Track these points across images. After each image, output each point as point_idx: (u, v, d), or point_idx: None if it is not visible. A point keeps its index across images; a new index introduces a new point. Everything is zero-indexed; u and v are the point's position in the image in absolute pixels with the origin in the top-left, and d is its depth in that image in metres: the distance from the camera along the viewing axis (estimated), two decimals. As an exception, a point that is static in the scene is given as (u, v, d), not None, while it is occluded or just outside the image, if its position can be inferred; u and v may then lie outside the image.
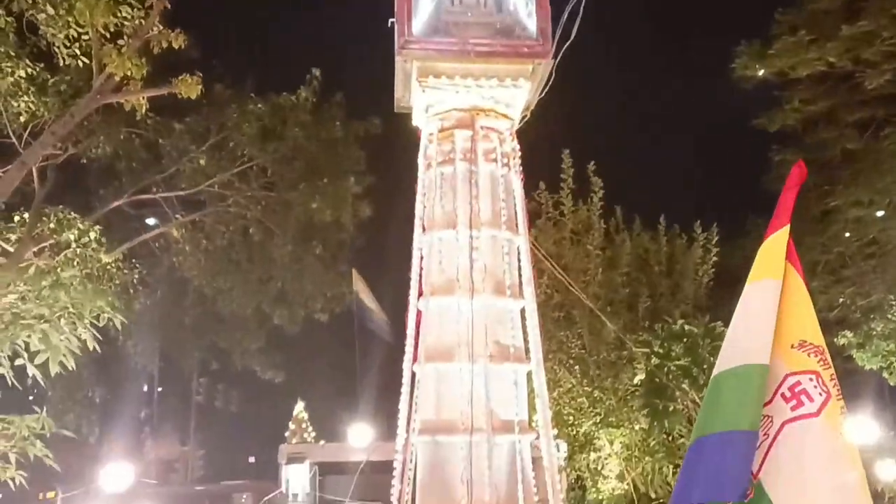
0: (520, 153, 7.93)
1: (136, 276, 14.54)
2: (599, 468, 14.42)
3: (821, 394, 3.29)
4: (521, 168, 7.92)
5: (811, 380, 3.32)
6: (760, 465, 3.21)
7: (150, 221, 16.55)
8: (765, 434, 3.26)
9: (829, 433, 3.26)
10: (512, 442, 7.18)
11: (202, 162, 14.41)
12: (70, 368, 6.96)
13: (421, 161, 7.96)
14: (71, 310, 6.75)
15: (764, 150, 14.57)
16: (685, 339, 13.45)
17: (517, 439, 7.17)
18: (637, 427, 14.21)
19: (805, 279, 3.50)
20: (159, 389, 27.80)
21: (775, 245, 3.48)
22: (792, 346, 3.36)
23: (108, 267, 12.55)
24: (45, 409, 8.45)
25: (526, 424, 7.37)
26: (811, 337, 3.39)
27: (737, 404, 3.21)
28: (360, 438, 15.84)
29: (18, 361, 6.79)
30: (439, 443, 7.27)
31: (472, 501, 6.89)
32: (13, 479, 8.28)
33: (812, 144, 13.10)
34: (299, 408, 17.40)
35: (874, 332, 13.68)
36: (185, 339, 18.90)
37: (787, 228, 3.49)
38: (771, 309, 3.31)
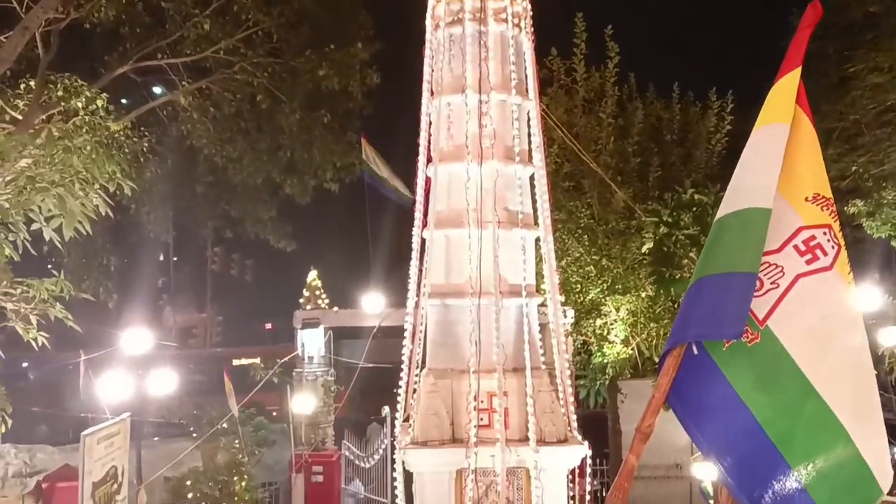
0: (531, 13, 7.69)
1: (146, 145, 14.52)
2: (605, 333, 14.82)
3: (833, 246, 3.28)
4: (531, 29, 7.71)
5: (825, 234, 3.30)
6: (769, 313, 3.21)
7: (157, 90, 16.37)
8: (773, 283, 3.24)
9: (840, 283, 3.26)
10: (519, 305, 7.35)
11: (206, 27, 14.07)
12: (86, 233, 7.08)
13: (429, 22, 7.75)
14: (84, 174, 6.79)
15: (783, 14, 14.04)
16: (694, 209, 13.51)
17: (524, 302, 7.33)
18: (643, 294, 14.49)
19: (813, 122, 3.42)
20: (175, 259, 28.27)
21: (785, 88, 3.36)
22: (806, 199, 3.31)
23: (117, 135, 12.53)
24: (62, 273, 8.66)
25: (533, 289, 7.52)
26: (822, 189, 3.35)
27: (737, 247, 3.20)
28: (372, 305, 16.22)
29: (35, 226, 6.90)
30: (449, 306, 7.46)
31: (479, 361, 7.14)
32: (35, 340, 8.61)
33: (833, 6, 12.59)
34: (312, 275, 17.72)
35: (885, 201, 13.64)
36: (198, 209, 19.04)
37: (798, 71, 3.36)
38: (777, 153, 3.25)
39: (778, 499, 3.04)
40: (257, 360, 19.56)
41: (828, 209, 3.33)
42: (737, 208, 3.27)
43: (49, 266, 9.80)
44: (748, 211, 3.22)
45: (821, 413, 3.04)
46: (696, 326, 3.24)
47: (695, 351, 3.26)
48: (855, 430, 3.01)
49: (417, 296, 7.67)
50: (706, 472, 13.97)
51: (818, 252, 3.27)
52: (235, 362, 20.91)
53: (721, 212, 3.35)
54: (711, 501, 13.92)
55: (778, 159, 3.24)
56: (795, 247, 3.28)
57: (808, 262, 3.27)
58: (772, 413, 3.10)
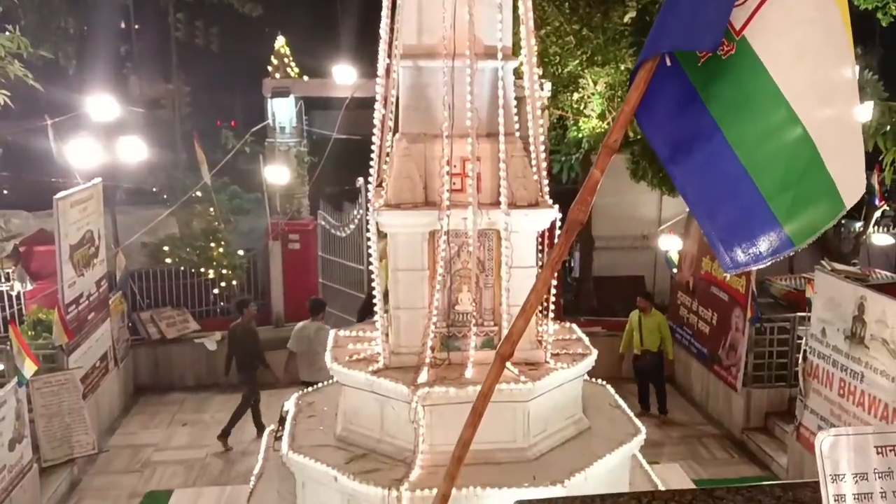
0: None
1: None
2: (582, 108, 14.65)
3: None
4: None
5: None
6: (746, 22, 3.08)
7: None
8: None
9: None
10: (494, 68, 7.13)
11: None
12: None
13: None
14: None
15: None
16: (681, -25, 12.85)
17: (500, 65, 7.11)
18: (623, 67, 14.18)
19: None
20: (136, 26, 26.94)
21: None
22: None
23: None
24: (17, 31, 8.22)
25: (509, 51, 7.26)
26: None
27: None
28: (344, 76, 15.79)
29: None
30: (421, 68, 7.23)
31: (452, 125, 7.04)
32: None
33: None
34: (280, 42, 17.00)
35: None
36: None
37: None
38: None
39: (744, 222, 3.09)
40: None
41: None
42: None
43: (6, 28, 9.29)
44: None
45: (789, 124, 2.98)
46: (673, 37, 3.09)
47: (668, 62, 3.14)
48: (822, 140, 2.97)
49: (389, 58, 7.41)
50: (671, 242, 14.55)
51: None
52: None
53: None
54: (675, 269, 14.61)
55: None
56: None
57: None
58: (742, 132, 3.07)
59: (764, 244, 3.08)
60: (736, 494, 2.40)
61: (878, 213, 15.63)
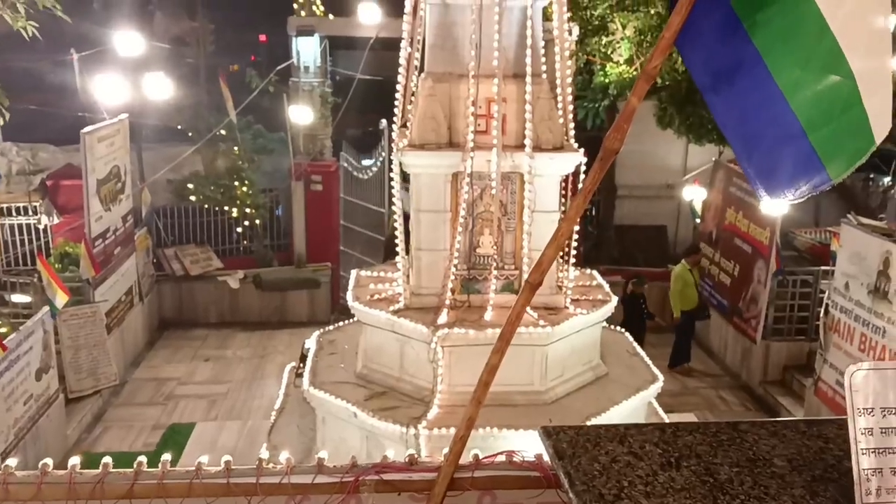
0: None
1: None
2: (610, 53, 14.39)
3: None
4: None
5: None
6: None
7: None
8: None
9: None
10: (523, 7, 7.00)
11: None
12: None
13: None
14: None
15: None
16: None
17: (529, 4, 6.98)
18: (653, 11, 13.87)
19: None
20: (161, -38, 26.67)
21: None
22: None
23: None
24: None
25: (540, -10, 7.12)
26: None
27: None
28: (369, 15, 15.55)
29: None
30: (449, 5, 7.10)
31: (479, 65, 6.95)
32: (25, 30, 8.31)
33: None
34: (307, -23, 16.75)
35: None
36: None
37: None
38: None
39: (782, 152, 3.04)
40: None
41: None
42: None
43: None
44: None
45: (833, 57, 2.91)
46: None
47: None
48: (861, 75, 2.90)
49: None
50: (695, 192, 14.39)
51: None
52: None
53: None
54: (698, 220, 14.48)
55: None
56: None
57: None
58: (785, 63, 3.00)
59: (802, 176, 3.03)
60: (760, 428, 2.41)
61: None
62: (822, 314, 10.16)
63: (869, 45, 2.92)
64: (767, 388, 11.58)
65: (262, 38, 28.31)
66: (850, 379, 2.06)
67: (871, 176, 17.10)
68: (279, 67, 14.96)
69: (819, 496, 2.21)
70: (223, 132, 14.22)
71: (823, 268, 11.60)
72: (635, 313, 11.68)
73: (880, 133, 2.92)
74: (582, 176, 7.28)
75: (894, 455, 2.05)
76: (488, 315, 7.05)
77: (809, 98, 2.97)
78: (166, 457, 3.51)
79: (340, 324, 8.91)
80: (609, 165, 3.23)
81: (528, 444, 3.24)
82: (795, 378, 11.34)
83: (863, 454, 2.04)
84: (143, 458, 3.49)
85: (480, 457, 3.23)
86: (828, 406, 9.71)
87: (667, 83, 13.65)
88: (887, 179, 16.58)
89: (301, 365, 8.43)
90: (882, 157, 16.73)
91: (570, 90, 7.38)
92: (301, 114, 14.78)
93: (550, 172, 7.11)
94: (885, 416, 2.01)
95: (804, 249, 14.89)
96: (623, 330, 8.91)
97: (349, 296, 7.75)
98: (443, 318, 7.01)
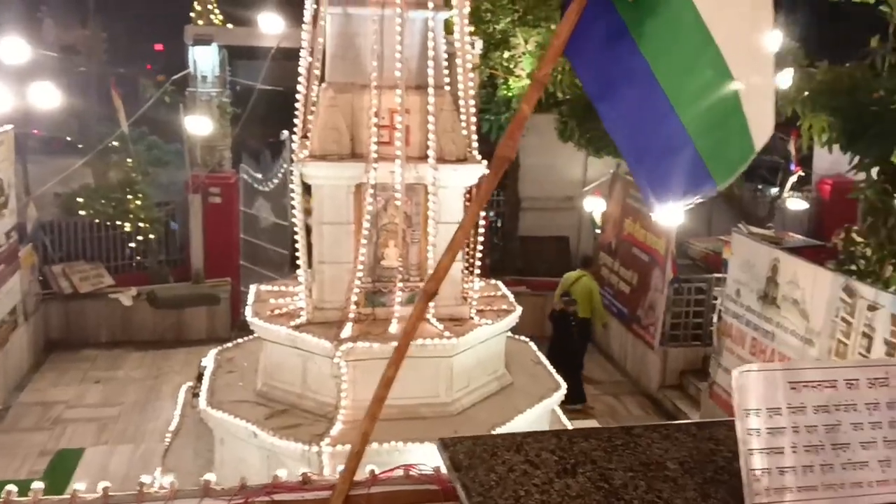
0: None
1: None
2: (513, 67, 14.62)
3: None
4: None
5: None
6: None
7: None
8: None
9: None
10: (425, 18, 7.01)
11: None
12: None
13: None
14: None
15: None
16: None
17: (431, 16, 6.99)
18: (553, 27, 14.18)
19: None
20: (50, -33, 25.57)
21: None
22: None
23: None
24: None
25: (441, 2, 7.14)
26: None
27: None
28: (270, 25, 15.31)
29: None
30: (350, 15, 7.05)
31: (381, 76, 6.91)
32: None
33: None
34: (203, -13, 16.34)
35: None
36: None
37: None
38: None
39: (671, 160, 3.09)
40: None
41: None
42: None
43: None
44: None
45: (716, 65, 2.98)
46: None
47: None
48: (742, 82, 2.98)
49: (317, 4, 7.18)
50: (595, 204, 14.74)
51: None
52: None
53: None
54: (598, 230, 14.82)
55: None
56: None
57: None
58: (670, 71, 3.06)
59: (690, 183, 3.10)
60: (654, 432, 2.43)
61: (793, 179, 16.14)
62: (715, 320, 10.53)
63: (749, 53, 3.01)
64: (666, 392, 11.91)
65: (159, 47, 27.56)
66: (736, 380, 2.09)
67: (760, 187, 17.96)
68: (175, 77, 14.53)
69: (711, 498, 2.24)
70: (115, 143, 13.68)
71: (716, 275, 12.03)
72: (566, 333, 11.59)
73: (760, 140, 3.01)
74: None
75: (782, 455, 2.09)
76: (393, 328, 6.97)
77: (695, 106, 3.04)
78: (38, 485, 3.27)
79: (240, 340, 8.65)
80: (502, 173, 3.22)
81: (432, 458, 3.19)
82: (692, 382, 11.70)
83: (751, 454, 2.08)
84: (12, 488, 3.25)
85: (377, 472, 3.15)
86: (722, 408, 10.05)
87: (567, 97, 13.96)
88: (774, 190, 17.43)
89: (198, 384, 8.12)
90: (769, 170, 17.60)
91: (473, 103, 7.44)
92: (199, 124, 14.36)
93: (454, 184, 7.12)
94: (771, 416, 2.05)
95: (698, 258, 15.45)
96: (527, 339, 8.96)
97: (248, 311, 7.53)
98: (346, 331, 6.89)
